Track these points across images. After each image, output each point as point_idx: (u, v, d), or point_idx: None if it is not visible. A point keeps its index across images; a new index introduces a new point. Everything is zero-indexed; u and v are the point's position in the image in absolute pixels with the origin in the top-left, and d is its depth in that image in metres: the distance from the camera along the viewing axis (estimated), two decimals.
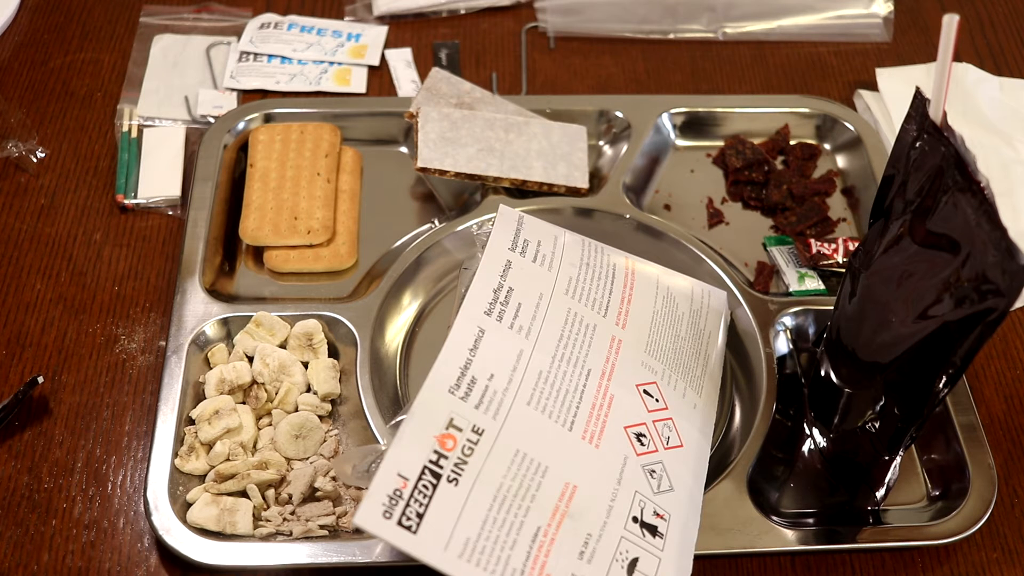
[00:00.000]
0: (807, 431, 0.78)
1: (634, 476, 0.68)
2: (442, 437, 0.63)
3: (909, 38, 1.09)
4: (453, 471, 0.62)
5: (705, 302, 0.81)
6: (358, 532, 0.71)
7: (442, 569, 0.60)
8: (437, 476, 0.62)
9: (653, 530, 0.66)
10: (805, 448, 0.78)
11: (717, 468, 0.75)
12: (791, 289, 0.86)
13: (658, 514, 0.67)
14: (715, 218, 0.92)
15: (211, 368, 0.78)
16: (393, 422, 0.66)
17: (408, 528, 0.60)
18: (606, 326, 0.74)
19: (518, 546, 0.62)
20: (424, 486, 0.61)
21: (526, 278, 0.73)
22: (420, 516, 0.60)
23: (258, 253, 0.87)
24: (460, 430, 0.64)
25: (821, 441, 0.76)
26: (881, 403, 0.69)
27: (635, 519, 0.66)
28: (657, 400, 0.72)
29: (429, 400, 0.64)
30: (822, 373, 0.74)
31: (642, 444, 0.69)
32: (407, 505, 0.60)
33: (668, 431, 0.71)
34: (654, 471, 0.69)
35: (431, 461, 0.62)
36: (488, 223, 0.78)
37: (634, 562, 0.65)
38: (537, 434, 0.66)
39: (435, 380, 0.65)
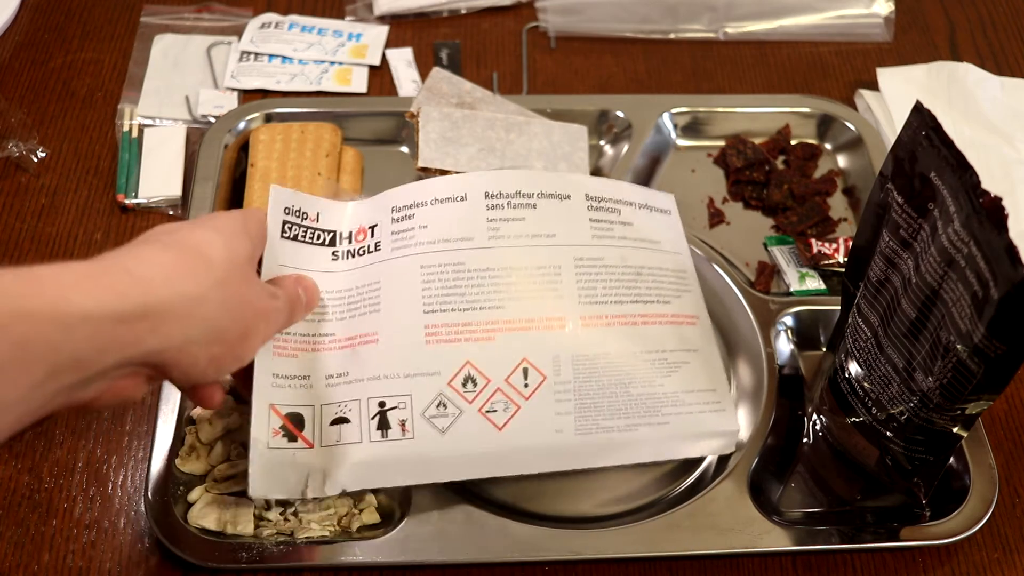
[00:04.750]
0: (809, 430, 0.78)
1: (424, 387, 0.67)
2: (362, 227, 0.71)
3: (910, 38, 1.09)
4: (343, 253, 0.71)
5: (705, 410, 0.72)
6: (359, 532, 0.71)
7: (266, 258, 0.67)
8: (333, 242, 0.72)
9: (383, 425, 0.66)
10: (806, 448, 0.78)
11: (717, 468, 0.75)
12: (792, 289, 0.86)
13: (403, 424, 0.66)
14: (716, 218, 0.92)
15: None
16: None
17: (283, 228, 0.70)
18: (568, 308, 0.70)
19: (314, 325, 0.68)
20: (321, 236, 0.71)
21: (564, 217, 0.72)
22: (295, 237, 0.70)
23: None
24: (372, 236, 0.70)
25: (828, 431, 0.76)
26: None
27: (381, 404, 0.66)
28: (527, 386, 0.68)
29: (380, 201, 0.72)
30: (846, 374, 0.74)
31: (465, 387, 0.67)
32: (301, 225, 0.70)
33: (501, 408, 0.67)
34: (445, 406, 0.67)
35: (342, 231, 0.72)
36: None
37: (343, 420, 0.66)
38: (400, 288, 0.68)
39: (396, 192, 0.72)
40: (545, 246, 0.71)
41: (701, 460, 0.77)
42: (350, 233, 0.72)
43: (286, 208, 0.70)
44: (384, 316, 0.68)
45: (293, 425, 0.65)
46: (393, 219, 0.71)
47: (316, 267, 0.70)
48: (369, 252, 0.71)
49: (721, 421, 0.73)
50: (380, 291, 0.69)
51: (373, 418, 0.66)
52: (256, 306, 0.61)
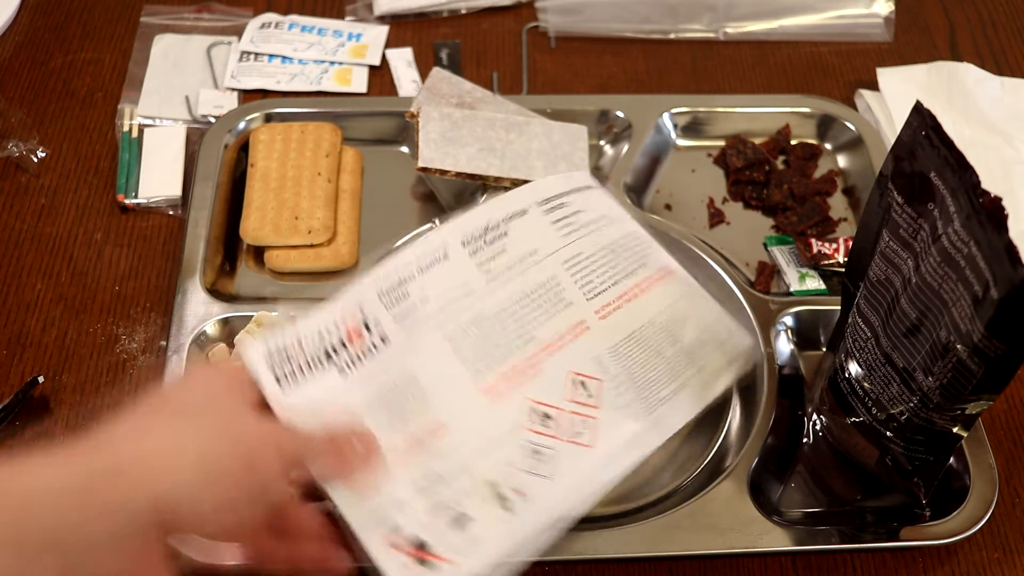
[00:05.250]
0: (809, 430, 0.78)
1: (513, 447, 0.66)
2: (352, 329, 0.65)
3: (910, 38, 1.09)
4: (347, 363, 0.64)
5: (723, 339, 0.74)
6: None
7: (278, 412, 0.61)
8: (329, 358, 0.64)
9: (504, 501, 0.64)
10: (806, 448, 0.78)
11: (717, 468, 0.75)
12: (792, 289, 0.86)
13: (517, 490, 0.65)
14: (716, 218, 0.92)
15: None
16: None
17: (278, 379, 0.62)
18: (581, 310, 0.71)
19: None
20: (315, 359, 0.63)
21: (532, 231, 0.71)
22: (294, 376, 0.62)
23: (259, 253, 0.87)
24: (370, 331, 0.65)
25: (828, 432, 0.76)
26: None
27: (491, 483, 0.64)
28: (591, 396, 0.68)
29: (357, 295, 0.66)
30: (846, 374, 0.74)
31: (544, 424, 0.67)
32: (290, 363, 0.62)
33: (584, 428, 0.68)
34: (540, 452, 0.66)
35: (332, 343, 0.64)
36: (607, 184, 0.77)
37: (463, 518, 0.63)
38: (437, 367, 0.66)
39: (372, 279, 0.67)
40: (534, 264, 0.71)
41: (703, 457, 0.77)
42: (340, 340, 0.66)
43: (268, 358, 0.63)
44: (438, 400, 0.65)
45: (419, 550, 0.62)
46: (386, 305, 0.67)
47: (331, 390, 0.64)
48: (377, 350, 0.65)
49: (740, 341, 0.74)
50: (419, 380, 0.66)
51: (490, 500, 0.64)
52: (256, 432, 0.55)
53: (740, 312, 0.83)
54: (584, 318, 0.70)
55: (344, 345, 0.65)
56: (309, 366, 0.63)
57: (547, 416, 0.67)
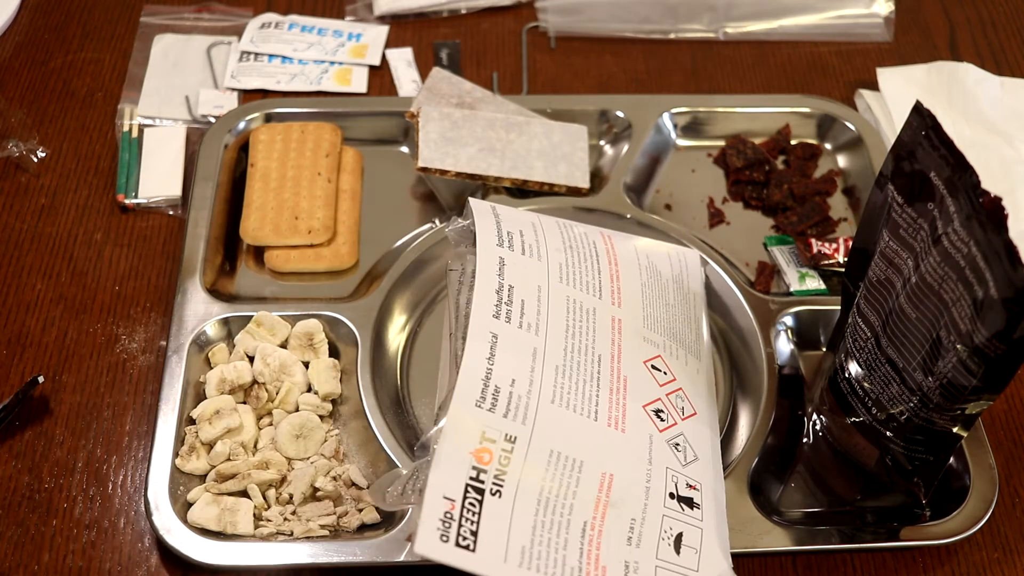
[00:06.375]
0: (809, 430, 0.78)
1: (662, 453, 0.68)
2: (478, 452, 0.63)
3: (910, 38, 1.09)
4: (495, 483, 0.63)
5: (683, 264, 0.81)
6: (359, 532, 0.71)
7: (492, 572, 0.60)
8: (480, 492, 0.62)
9: (690, 503, 0.67)
10: (806, 448, 0.78)
11: None
12: (792, 289, 0.86)
13: (691, 485, 0.68)
14: (716, 218, 0.92)
15: (212, 368, 0.78)
16: (419, 443, 0.66)
17: (466, 548, 0.60)
18: (604, 307, 0.73)
19: (570, 545, 0.62)
20: (471, 503, 0.61)
21: (521, 272, 0.72)
22: (474, 534, 0.61)
23: (259, 253, 0.87)
24: (494, 442, 0.64)
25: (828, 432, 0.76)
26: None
27: (672, 495, 0.67)
28: (665, 373, 0.73)
29: (459, 418, 0.64)
30: (846, 374, 0.74)
31: (661, 420, 0.70)
32: (460, 525, 0.61)
33: (681, 402, 0.72)
34: (678, 444, 0.70)
35: (472, 478, 0.62)
36: (456, 220, 0.75)
37: (679, 537, 0.66)
38: (566, 430, 0.66)
39: (461, 396, 0.65)
40: (547, 296, 0.72)
41: None
42: (474, 467, 0.63)
43: (440, 534, 0.60)
44: (589, 460, 0.66)
45: None
46: (488, 409, 0.65)
47: (502, 517, 0.62)
48: (511, 451, 0.64)
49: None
50: (560, 452, 0.65)
51: (679, 508, 0.67)
52: None
53: (740, 313, 0.83)
54: (612, 313, 0.73)
55: (482, 470, 0.63)
56: (473, 513, 0.61)
57: (659, 412, 0.71)
